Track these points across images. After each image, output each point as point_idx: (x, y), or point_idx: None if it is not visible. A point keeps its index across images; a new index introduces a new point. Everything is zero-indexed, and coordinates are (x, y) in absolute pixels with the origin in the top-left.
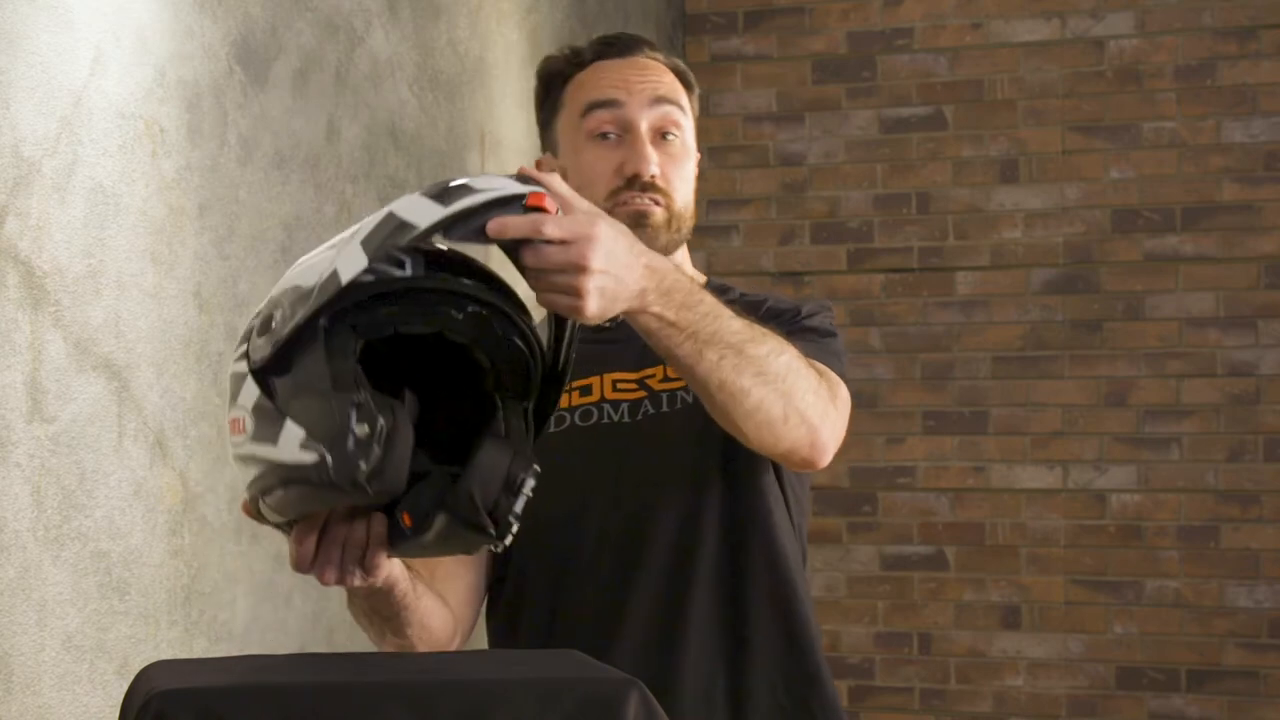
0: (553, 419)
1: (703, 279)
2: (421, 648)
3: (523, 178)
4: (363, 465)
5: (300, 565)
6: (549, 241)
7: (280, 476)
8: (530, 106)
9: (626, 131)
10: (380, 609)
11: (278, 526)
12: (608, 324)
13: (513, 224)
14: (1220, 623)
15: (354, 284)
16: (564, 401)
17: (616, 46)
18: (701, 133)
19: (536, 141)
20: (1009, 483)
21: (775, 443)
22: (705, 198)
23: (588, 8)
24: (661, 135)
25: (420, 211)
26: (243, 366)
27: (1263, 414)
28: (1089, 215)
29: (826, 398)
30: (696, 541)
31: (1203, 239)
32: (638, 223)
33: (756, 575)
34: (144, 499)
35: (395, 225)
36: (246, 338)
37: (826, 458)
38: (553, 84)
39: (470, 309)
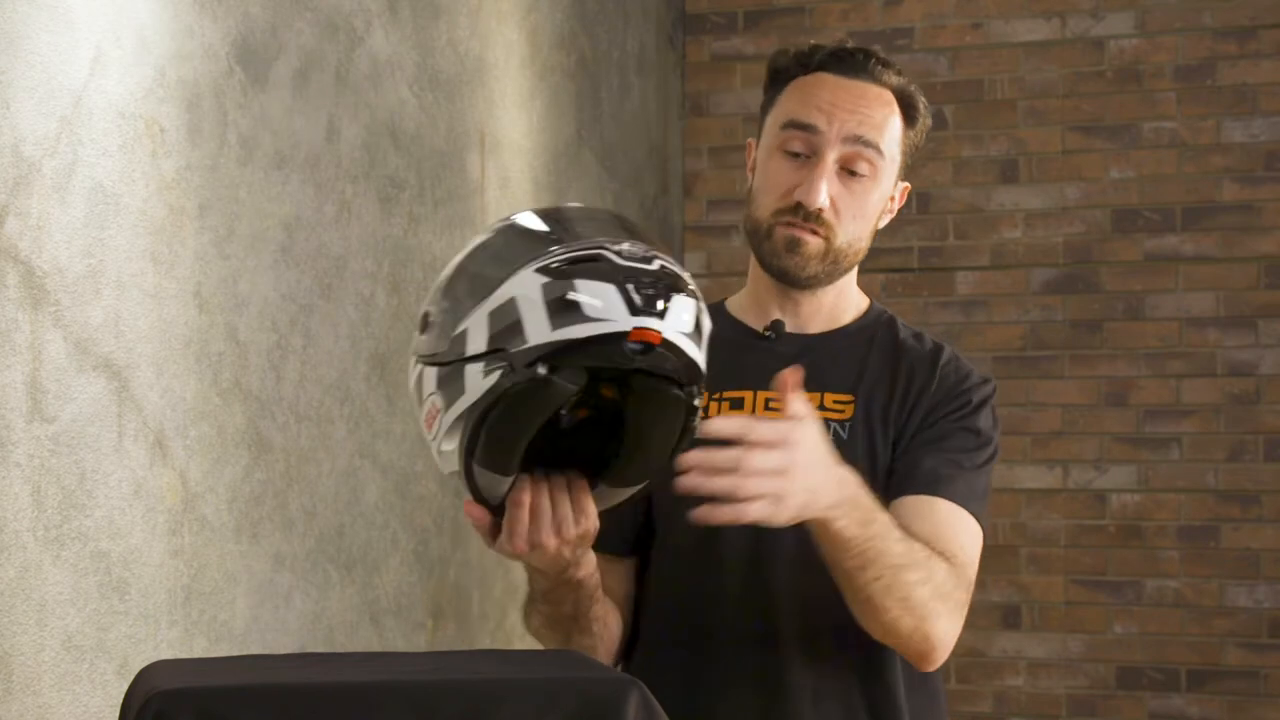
0: (698, 423)
1: (865, 303)
2: (604, 647)
3: (632, 306)
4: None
5: (516, 539)
6: (757, 444)
7: (478, 411)
8: (530, 107)
9: (814, 154)
10: (567, 607)
11: (486, 502)
12: (768, 333)
13: (722, 426)
14: (1220, 623)
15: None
16: (713, 410)
17: (846, 63)
18: (700, 133)
19: (536, 142)
20: (1009, 483)
21: (893, 645)
22: (706, 198)
23: (588, 8)
24: (849, 171)
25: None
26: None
27: (1263, 414)
28: (1089, 215)
29: (957, 610)
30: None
31: (1203, 239)
32: (790, 247)
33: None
34: (144, 499)
35: (511, 323)
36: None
37: (933, 668)
38: (777, 78)
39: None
